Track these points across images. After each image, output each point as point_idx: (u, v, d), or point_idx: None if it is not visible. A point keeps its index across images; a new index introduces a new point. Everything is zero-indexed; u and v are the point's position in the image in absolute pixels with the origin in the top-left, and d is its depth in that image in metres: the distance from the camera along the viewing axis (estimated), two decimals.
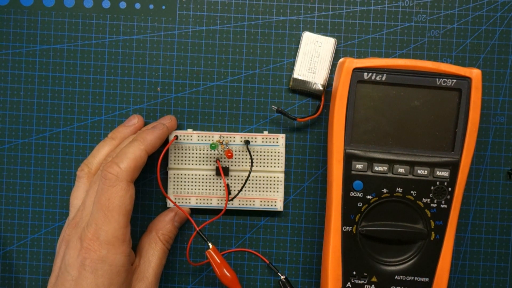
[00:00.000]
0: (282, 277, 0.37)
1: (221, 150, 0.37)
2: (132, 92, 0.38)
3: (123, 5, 0.38)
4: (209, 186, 0.37)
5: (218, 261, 0.35)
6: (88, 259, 0.30)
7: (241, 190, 0.36)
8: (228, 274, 0.34)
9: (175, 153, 0.37)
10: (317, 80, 0.37)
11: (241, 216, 0.38)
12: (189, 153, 0.37)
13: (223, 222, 0.38)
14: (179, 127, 0.38)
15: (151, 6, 0.38)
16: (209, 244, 0.35)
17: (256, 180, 0.37)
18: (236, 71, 0.38)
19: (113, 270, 0.31)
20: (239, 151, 0.37)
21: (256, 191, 0.37)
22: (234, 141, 0.37)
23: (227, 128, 0.38)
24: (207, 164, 0.37)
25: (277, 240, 0.38)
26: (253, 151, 0.37)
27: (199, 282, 0.38)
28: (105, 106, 0.38)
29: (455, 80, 0.33)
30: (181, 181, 0.37)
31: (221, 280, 0.34)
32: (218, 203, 0.37)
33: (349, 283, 0.34)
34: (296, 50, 0.38)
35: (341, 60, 0.35)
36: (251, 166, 0.36)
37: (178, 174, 0.37)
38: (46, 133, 0.38)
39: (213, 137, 0.37)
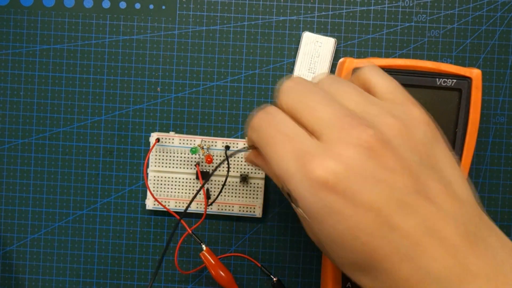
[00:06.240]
0: (274, 279, 0.37)
1: (202, 155, 0.37)
2: (132, 92, 0.38)
3: (123, 5, 0.38)
4: (189, 190, 0.37)
5: (213, 262, 0.35)
6: None
7: (218, 195, 0.36)
8: (223, 274, 0.34)
9: (156, 155, 0.37)
10: None
11: (241, 217, 0.38)
12: (170, 156, 0.37)
13: (216, 223, 0.38)
14: (178, 127, 0.38)
15: (151, 6, 0.38)
16: (203, 245, 0.35)
17: (236, 186, 0.37)
18: (236, 71, 0.38)
19: None
20: (221, 156, 0.37)
21: (235, 196, 0.37)
22: (215, 146, 0.37)
23: (227, 128, 0.38)
24: (187, 168, 0.37)
25: (277, 240, 0.38)
26: (234, 157, 0.37)
27: (199, 282, 0.38)
28: (105, 106, 0.38)
29: (455, 80, 0.33)
30: (161, 184, 0.37)
31: (217, 281, 0.34)
32: (197, 207, 0.37)
33: (349, 283, 0.34)
34: (296, 50, 0.38)
35: (341, 60, 0.35)
36: (228, 171, 0.36)
37: (158, 177, 0.37)
38: (46, 133, 0.38)
39: (194, 141, 0.37)
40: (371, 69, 0.26)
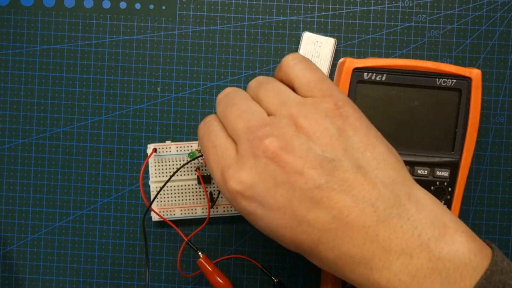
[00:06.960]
0: (275, 280, 0.37)
1: (200, 159, 0.37)
2: (132, 92, 0.38)
3: (123, 5, 0.38)
4: (193, 195, 0.37)
5: (210, 269, 0.35)
6: None
7: (217, 197, 0.36)
8: (221, 281, 0.34)
9: (155, 166, 0.37)
10: None
11: (240, 218, 0.38)
12: (170, 165, 0.37)
13: (216, 226, 0.38)
14: (178, 127, 0.38)
15: (151, 6, 0.38)
16: (200, 253, 0.35)
17: None
18: (236, 71, 0.38)
19: None
20: None
21: None
22: None
23: None
24: (188, 174, 0.37)
25: None
26: None
27: (199, 283, 0.38)
28: (105, 106, 0.38)
29: (455, 80, 0.33)
30: (164, 194, 0.37)
31: (215, 287, 0.35)
32: (203, 212, 0.37)
33: (349, 283, 0.34)
34: (296, 50, 0.38)
35: (341, 60, 0.35)
36: None
37: (160, 187, 0.37)
38: (46, 133, 0.38)
39: (191, 146, 0.37)
40: (290, 61, 0.28)
